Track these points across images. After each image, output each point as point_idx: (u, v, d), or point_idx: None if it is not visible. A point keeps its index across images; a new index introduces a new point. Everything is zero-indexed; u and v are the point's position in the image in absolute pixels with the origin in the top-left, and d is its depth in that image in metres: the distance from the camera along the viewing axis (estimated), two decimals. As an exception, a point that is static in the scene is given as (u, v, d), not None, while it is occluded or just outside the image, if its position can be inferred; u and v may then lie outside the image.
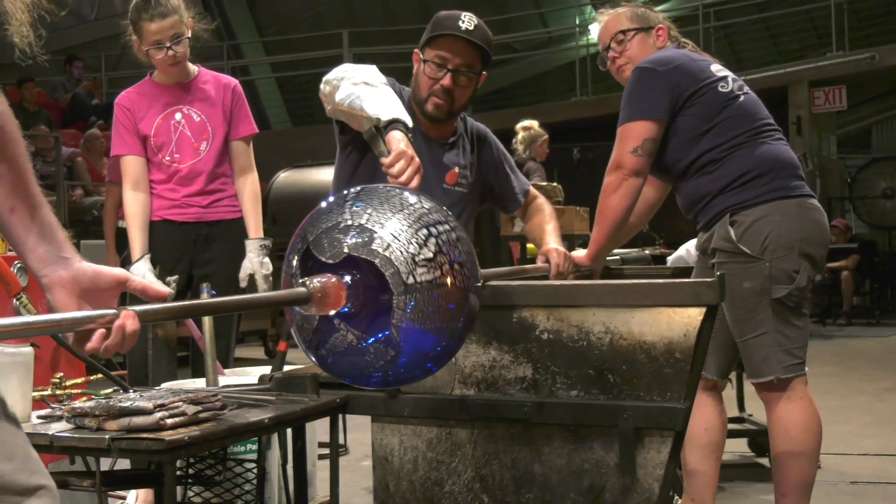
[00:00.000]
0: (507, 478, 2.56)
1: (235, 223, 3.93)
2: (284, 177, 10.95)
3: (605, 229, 3.26)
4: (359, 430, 4.77)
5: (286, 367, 3.20)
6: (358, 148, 3.10)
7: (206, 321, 3.11)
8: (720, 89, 3.21)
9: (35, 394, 3.24)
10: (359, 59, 15.09)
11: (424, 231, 1.93)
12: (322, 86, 2.91)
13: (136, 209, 3.84)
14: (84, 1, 17.73)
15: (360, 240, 1.89)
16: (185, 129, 3.91)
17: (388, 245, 1.89)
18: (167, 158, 3.89)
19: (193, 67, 4.02)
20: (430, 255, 1.90)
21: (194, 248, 3.89)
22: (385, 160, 2.59)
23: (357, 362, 1.96)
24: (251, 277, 3.85)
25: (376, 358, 1.94)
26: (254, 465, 2.85)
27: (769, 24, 16.57)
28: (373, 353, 1.93)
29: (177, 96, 3.95)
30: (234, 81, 4.08)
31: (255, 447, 2.92)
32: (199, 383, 3.13)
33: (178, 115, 3.92)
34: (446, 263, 1.93)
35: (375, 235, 1.89)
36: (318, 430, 3.66)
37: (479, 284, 2.04)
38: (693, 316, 2.40)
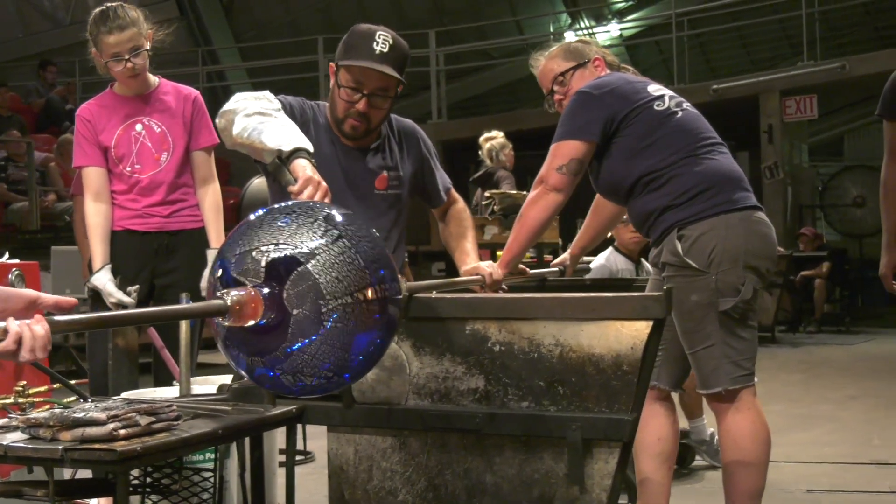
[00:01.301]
0: (460, 487, 2.60)
1: (197, 233, 3.95)
2: (258, 183, 10.89)
3: (520, 239, 3.33)
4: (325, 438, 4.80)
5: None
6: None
7: (183, 328, 3.10)
8: (655, 108, 3.27)
9: (-2, 402, 3.27)
10: (334, 65, 15.12)
11: (342, 245, 2.00)
12: (217, 119, 2.94)
13: (97, 220, 3.86)
14: (59, 5, 17.65)
15: (280, 255, 1.97)
16: (146, 140, 3.94)
17: (308, 260, 1.96)
18: (128, 169, 3.91)
19: (154, 79, 4.04)
20: (350, 270, 1.98)
21: (156, 258, 3.91)
22: (293, 188, 2.60)
23: (283, 371, 2.02)
24: None
25: (302, 366, 2.00)
26: (211, 474, 2.88)
27: (742, 34, 16.70)
28: (294, 363, 1.99)
29: (137, 108, 3.97)
30: (195, 93, 4.10)
31: (213, 456, 2.94)
32: (160, 392, 3.15)
33: (138, 127, 3.94)
34: (366, 278, 2.00)
35: (296, 251, 1.96)
36: (277, 439, 3.69)
37: (400, 297, 2.11)
38: (640, 329, 2.45)
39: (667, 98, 3.32)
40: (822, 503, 4.23)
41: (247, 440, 2.82)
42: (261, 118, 2.80)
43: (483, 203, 7.82)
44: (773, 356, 9.36)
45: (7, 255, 4.18)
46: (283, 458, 3.89)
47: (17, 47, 16.82)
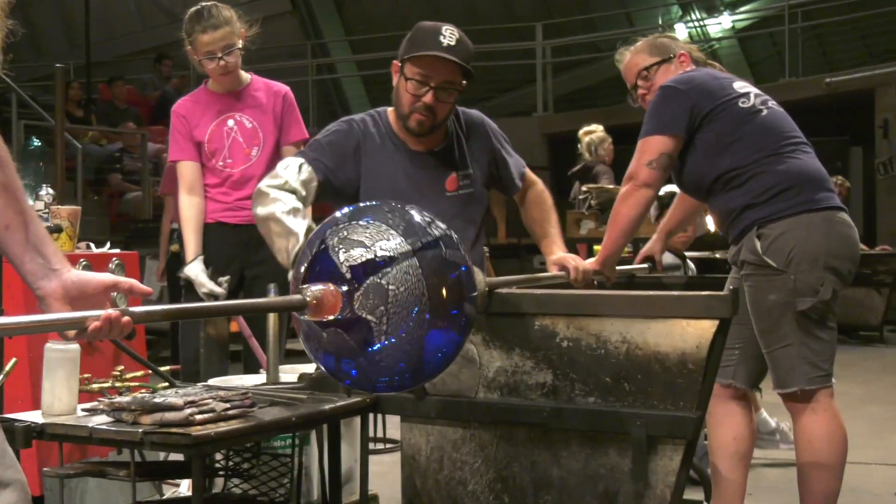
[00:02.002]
0: (527, 480, 2.66)
1: None
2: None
3: (614, 237, 3.35)
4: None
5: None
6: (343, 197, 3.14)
7: (271, 318, 3.19)
8: (741, 105, 3.26)
9: (96, 385, 3.43)
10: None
11: (420, 245, 2.05)
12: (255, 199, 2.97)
13: (190, 212, 4.01)
14: (176, 1, 18.15)
15: (360, 252, 2.02)
16: (238, 136, 4.07)
17: (387, 260, 2.01)
18: (220, 164, 4.06)
19: (246, 76, 4.17)
20: (427, 270, 2.02)
21: (246, 250, 4.04)
22: None
23: (361, 369, 2.07)
24: None
25: (380, 365, 2.06)
26: (289, 459, 2.99)
27: (860, 25, 16.25)
28: (377, 360, 2.05)
29: (229, 104, 4.11)
30: (286, 89, 4.22)
31: (291, 443, 3.05)
32: (247, 380, 3.27)
33: (230, 122, 4.08)
34: (443, 278, 2.04)
35: (376, 251, 2.01)
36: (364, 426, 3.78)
37: (475, 294, 2.14)
38: (706, 328, 2.47)
39: (752, 95, 3.31)
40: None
41: (325, 427, 2.92)
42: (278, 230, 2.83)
43: (580, 197, 7.83)
44: (881, 356, 9.12)
45: (108, 244, 4.35)
46: (373, 444, 4.02)
47: (134, 41, 17.36)
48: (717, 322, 2.46)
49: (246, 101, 4.14)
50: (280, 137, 4.13)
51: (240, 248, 4.05)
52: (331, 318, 1.98)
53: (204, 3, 4.06)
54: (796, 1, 14.38)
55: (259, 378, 3.28)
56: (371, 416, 2.99)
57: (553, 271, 3.25)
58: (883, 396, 6.70)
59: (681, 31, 17.28)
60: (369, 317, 2.00)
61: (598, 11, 17.56)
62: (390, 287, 2.00)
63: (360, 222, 2.10)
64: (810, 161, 3.27)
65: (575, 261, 3.25)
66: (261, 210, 2.90)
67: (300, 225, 2.79)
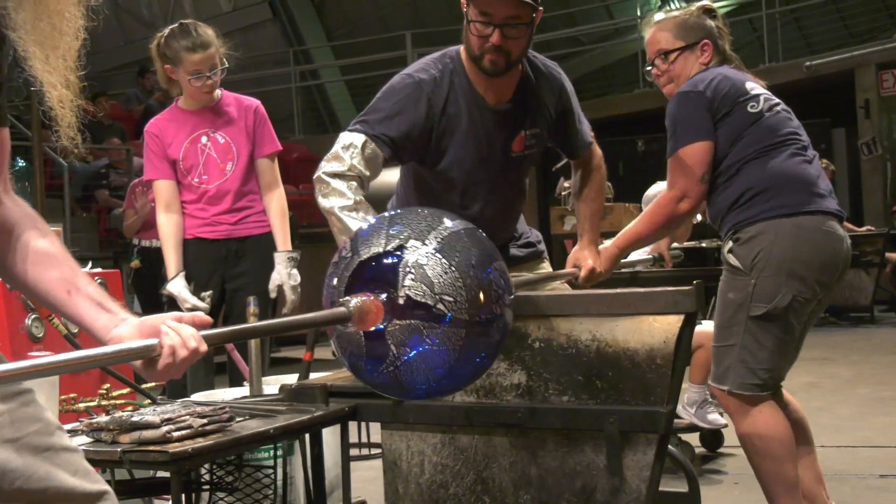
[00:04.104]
0: (507, 480, 2.68)
1: (264, 238, 4.11)
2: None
3: (646, 233, 3.38)
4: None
5: (312, 376, 3.36)
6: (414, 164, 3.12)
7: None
8: (749, 109, 3.26)
9: (82, 405, 3.46)
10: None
11: (457, 253, 2.04)
12: (319, 193, 2.93)
13: (169, 230, 4.05)
14: (157, 13, 18.16)
15: (396, 261, 2.01)
16: (212, 152, 4.11)
17: (423, 267, 2.00)
18: (196, 180, 4.10)
19: (217, 92, 4.20)
20: (464, 275, 2.01)
21: (226, 264, 4.08)
22: None
23: (399, 375, 2.06)
24: (280, 288, 4.03)
25: (417, 370, 2.04)
26: (272, 470, 3.02)
27: (839, 6, 16.29)
28: (414, 366, 2.04)
29: (202, 121, 4.14)
30: (256, 102, 4.25)
31: (278, 454, 3.08)
32: (230, 393, 3.29)
33: (204, 139, 4.12)
34: (479, 281, 2.03)
35: (410, 260, 2.00)
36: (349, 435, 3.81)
37: (512, 297, 2.12)
38: (672, 323, 2.50)
39: (762, 99, 3.30)
40: (895, 489, 4.17)
41: (307, 437, 2.95)
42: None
43: (564, 193, 7.85)
44: (870, 337, 9.18)
45: (90, 264, 4.39)
46: (355, 451, 4.06)
47: (117, 56, 17.34)
48: (682, 317, 2.49)
49: (218, 116, 4.18)
50: (253, 151, 4.17)
51: (219, 262, 4.09)
52: (372, 329, 1.98)
53: (184, 21, 4.09)
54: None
55: (242, 391, 3.31)
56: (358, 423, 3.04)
57: (568, 268, 3.25)
58: (870, 377, 6.74)
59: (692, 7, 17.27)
60: (409, 322, 1.99)
61: (578, 5, 17.59)
62: (425, 293, 1.98)
63: (393, 230, 2.09)
64: (795, 163, 3.25)
65: (593, 260, 3.23)
66: (322, 201, 2.87)
67: (357, 224, 2.72)
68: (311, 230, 10.49)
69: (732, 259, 3.18)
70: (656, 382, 2.50)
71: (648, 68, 3.53)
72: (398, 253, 2.01)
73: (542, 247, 3.41)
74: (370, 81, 17.53)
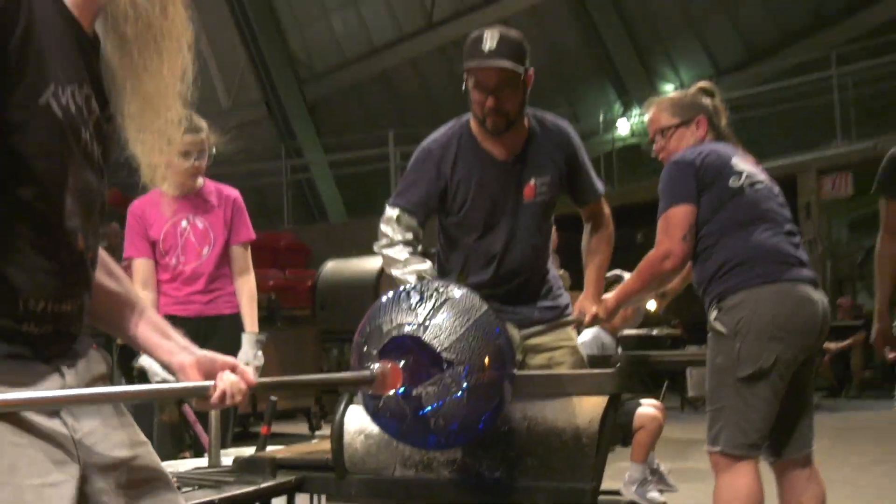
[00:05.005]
0: (443, 551, 2.62)
1: (233, 318, 4.08)
2: (331, 266, 11.05)
3: (636, 290, 3.37)
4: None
5: (269, 448, 3.29)
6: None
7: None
8: (730, 184, 3.25)
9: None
10: (406, 156, 15.37)
11: (475, 329, 2.15)
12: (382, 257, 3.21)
13: None
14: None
15: (415, 331, 2.14)
16: (191, 235, 4.09)
17: (439, 335, 2.13)
18: (173, 261, 4.07)
19: (200, 180, 4.19)
20: (472, 342, 2.14)
21: (195, 341, 3.99)
22: None
23: (415, 428, 2.16)
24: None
25: (431, 425, 2.14)
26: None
27: (783, 118, 16.54)
28: (427, 421, 2.13)
29: (183, 206, 4.13)
30: (235, 193, 4.24)
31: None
32: (188, 464, 3.22)
33: (184, 223, 4.10)
34: (485, 348, 2.15)
35: (426, 330, 2.13)
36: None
37: (514, 373, 2.25)
38: (597, 404, 2.47)
39: (744, 175, 3.29)
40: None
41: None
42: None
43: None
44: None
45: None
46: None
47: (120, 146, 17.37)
48: (606, 398, 2.46)
49: (199, 203, 4.17)
50: (229, 238, 4.15)
51: (190, 339, 4.02)
52: (392, 392, 2.06)
53: None
54: (726, 96, 14.61)
55: (203, 462, 3.23)
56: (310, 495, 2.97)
57: (575, 314, 3.32)
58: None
59: (623, 126, 17.53)
60: (425, 389, 2.10)
61: (547, 108, 17.77)
62: (440, 359, 2.11)
63: (408, 304, 2.20)
64: (767, 237, 3.25)
65: (595, 306, 3.30)
66: (389, 271, 3.16)
67: (411, 279, 3.03)
68: (293, 312, 10.43)
69: (718, 326, 3.18)
70: (582, 460, 2.46)
71: (651, 141, 3.57)
72: (415, 324, 2.12)
73: (569, 311, 3.39)
74: (357, 176, 17.67)
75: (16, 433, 1.49)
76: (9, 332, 1.51)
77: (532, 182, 3.22)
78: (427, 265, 3.12)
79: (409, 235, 3.17)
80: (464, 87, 3.14)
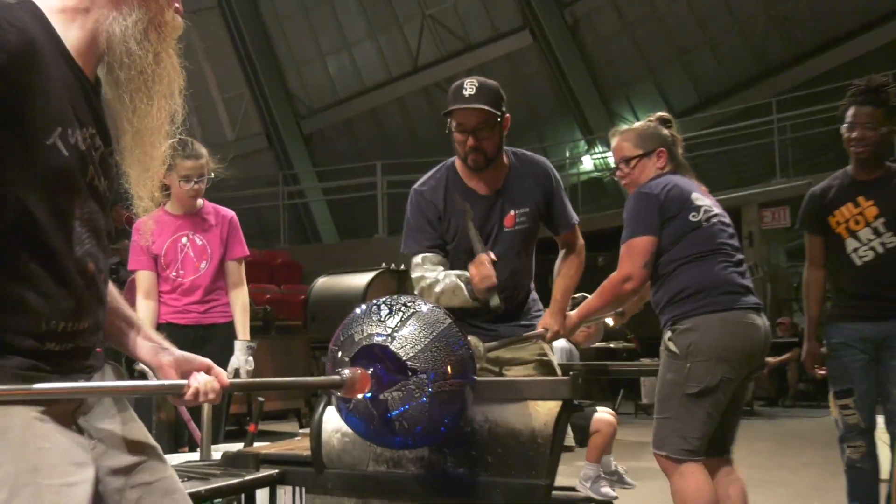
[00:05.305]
0: (410, 541, 2.57)
1: (226, 326, 4.04)
2: (322, 282, 11.01)
3: (597, 308, 3.39)
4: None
5: (256, 444, 3.24)
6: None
7: (205, 406, 3.15)
8: (690, 218, 3.27)
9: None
10: (392, 184, 15.37)
11: (438, 341, 2.12)
12: (415, 280, 3.23)
13: (146, 314, 3.97)
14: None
15: (384, 341, 2.09)
16: (190, 251, 4.06)
17: (405, 346, 2.09)
18: (173, 274, 4.03)
19: (200, 201, 4.16)
20: (440, 358, 2.11)
21: (192, 346, 3.95)
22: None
23: (382, 429, 2.13)
24: (237, 372, 3.93)
25: (396, 427, 2.11)
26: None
27: (729, 156, 16.65)
28: (393, 423, 2.10)
29: (184, 224, 4.10)
30: (231, 214, 4.22)
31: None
32: (181, 457, 3.17)
33: (184, 240, 4.07)
34: (447, 358, 2.12)
35: (393, 340, 2.09)
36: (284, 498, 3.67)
37: (475, 379, 2.23)
38: (552, 408, 2.43)
39: (702, 210, 3.31)
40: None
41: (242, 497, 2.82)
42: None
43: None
44: (749, 427, 9.07)
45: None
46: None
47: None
48: (560, 403, 2.43)
49: (198, 222, 4.14)
50: (225, 254, 4.12)
51: (188, 345, 3.93)
52: (360, 396, 2.04)
53: (183, 137, 4.08)
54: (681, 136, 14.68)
55: (195, 456, 3.18)
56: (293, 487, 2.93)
57: (539, 329, 3.29)
58: (746, 461, 6.45)
59: (587, 161, 17.57)
60: (391, 394, 2.07)
61: (520, 144, 17.82)
62: (404, 367, 2.07)
63: (377, 317, 2.16)
64: (721, 268, 3.26)
65: (558, 326, 3.31)
66: (434, 300, 3.10)
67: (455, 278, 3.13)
68: (286, 323, 10.37)
69: (672, 346, 3.21)
70: (537, 459, 2.42)
71: (615, 167, 3.57)
72: (384, 334, 2.09)
73: (539, 332, 3.36)
74: (346, 202, 17.63)
75: (38, 437, 1.50)
76: (32, 350, 1.52)
77: (512, 213, 3.23)
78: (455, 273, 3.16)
79: (441, 268, 3.18)
80: (447, 129, 3.17)
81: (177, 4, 1.69)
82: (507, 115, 3.18)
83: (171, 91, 1.67)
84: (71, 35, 1.57)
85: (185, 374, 1.74)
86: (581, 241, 3.44)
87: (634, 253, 3.26)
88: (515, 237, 3.24)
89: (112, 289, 1.80)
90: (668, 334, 3.24)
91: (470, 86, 3.09)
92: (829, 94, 13.43)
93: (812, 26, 16.11)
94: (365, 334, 2.10)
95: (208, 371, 1.76)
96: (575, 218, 3.40)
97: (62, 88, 1.53)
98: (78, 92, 1.58)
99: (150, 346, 1.82)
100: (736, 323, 3.21)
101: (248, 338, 4.03)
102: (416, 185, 3.29)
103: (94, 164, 1.60)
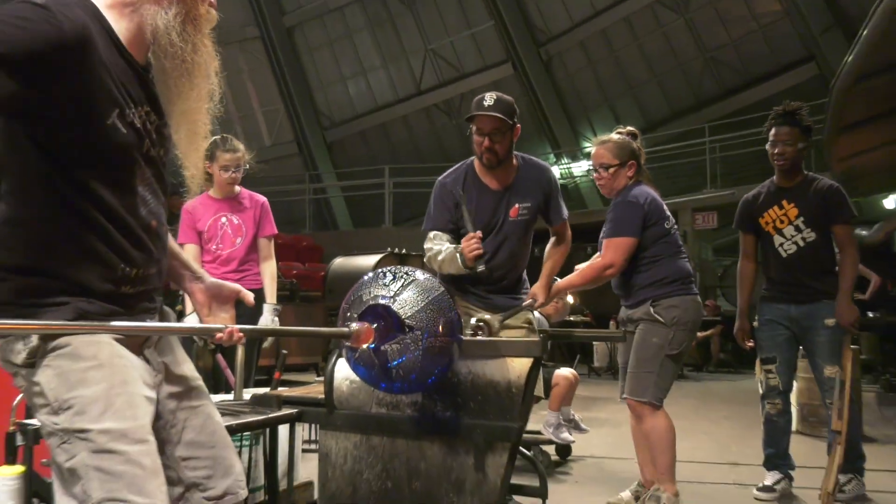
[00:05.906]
0: (403, 470, 2.51)
1: (257, 292, 3.94)
2: (338, 262, 10.94)
3: (577, 283, 3.40)
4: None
5: (279, 389, 3.16)
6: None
7: (240, 353, 3.05)
8: (665, 225, 3.38)
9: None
10: (397, 185, 15.25)
11: (433, 304, 2.07)
12: (426, 253, 3.18)
13: None
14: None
15: (387, 302, 2.04)
16: (227, 229, 3.96)
17: (404, 307, 2.05)
18: (213, 247, 3.94)
19: (237, 188, 4.07)
20: (430, 312, 2.06)
21: None
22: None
23: (381, 375, 2.09)
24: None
25: (393, 374, 2.07)
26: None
27: (669, 168, 16.59)
28: (391, 371, 2.06)
29: (223, 206, 4.00)
30: (263, 199, 4.12)
31: (245, 443, 2.86)
32: (216, 398, 3.08)
33: (223, 219, 3.97)
34: (439, 318, 2.07)
35: (396, 301, 2.05)
36: (301, 433, 3.60)
37: (461, 338, 2.18)
38: (525, 364, 2.37)
39: (671, 220, 3.43)
40: (686, 491, 4.00)
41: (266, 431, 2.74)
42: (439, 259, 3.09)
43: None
44: (679, 388, 9.00)
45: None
46: (307, 445, 3.82)
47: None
48: (532, 360, 2.36)
49: (235, 205, 4.05)
50: (257, 232, 4.03)
51: None
52: (364, 346, 1.98)
53: (225, 135, 4.01)
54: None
55: (228, 397, 3.09)
56: (309, 424, 2.85)
57: (528, 300, 3.25)
58: (676, 413, 6.42)
59: (555, 171, 17.46)
60: (391, 346, 2.02)
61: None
62: (407, 323, 2.02)
63: (382, 281, 2.11)
64: (683, 264, 3.41)
65: (542, 295, 3.26)
66: (442, 267, 3.08)
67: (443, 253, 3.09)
68: (308, 293, 10.26)
69: (658, 317, 3.29)
70: (511, 406, 2.36)
71: (593, 170, 3.55)
72: (389, 296, 2.04)
73: (529, 302, 3.32)
74: (360, 198, 17.51)
75: (123, 358, 1.52)
76: (111, 294, 1.53)
77: (517, 206, 3.20)
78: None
79: (447, 243, 3.14)
80: (468, 132, 3.15)
81: None
82: (518, 125, 3.15)
83: (208, 74, 1.61)
84: (121, 27, 1.53)
85: (217, 297, 1.76)
86: (569, 232, 3.42)
87: (620, 249, 3.32)
88: (518, 226, 3.21)
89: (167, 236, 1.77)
90: (650, 308, 3.30)
91: (490, 98, 3.08)
92: (750, 123, 13.41)
93: (738, 68, 16.10)
94: (371, 295, 2.05)
95: (237, 295, 1.77)
96: (566, 213, 3.37)
97: (117, 73, 1.48)
98: (131, 76, 1.53)
99: (187, 274, 1.80)
100: (696, 302, 3.35)
101: (275, 301, 3.94)
102: (440, 178, 3.26)
103: (150, 137, 1.58)
